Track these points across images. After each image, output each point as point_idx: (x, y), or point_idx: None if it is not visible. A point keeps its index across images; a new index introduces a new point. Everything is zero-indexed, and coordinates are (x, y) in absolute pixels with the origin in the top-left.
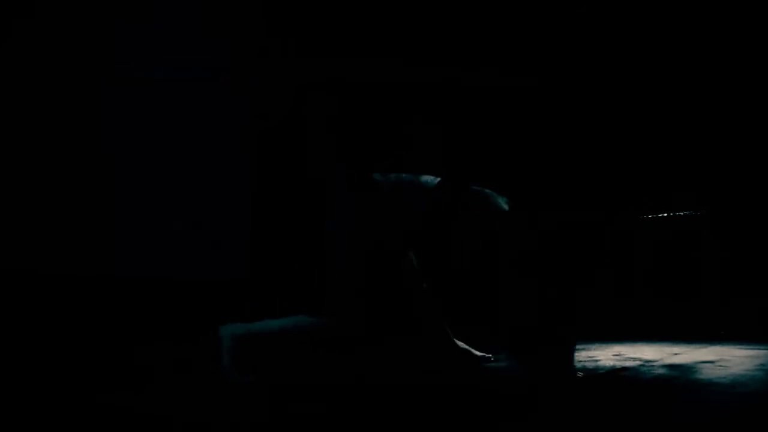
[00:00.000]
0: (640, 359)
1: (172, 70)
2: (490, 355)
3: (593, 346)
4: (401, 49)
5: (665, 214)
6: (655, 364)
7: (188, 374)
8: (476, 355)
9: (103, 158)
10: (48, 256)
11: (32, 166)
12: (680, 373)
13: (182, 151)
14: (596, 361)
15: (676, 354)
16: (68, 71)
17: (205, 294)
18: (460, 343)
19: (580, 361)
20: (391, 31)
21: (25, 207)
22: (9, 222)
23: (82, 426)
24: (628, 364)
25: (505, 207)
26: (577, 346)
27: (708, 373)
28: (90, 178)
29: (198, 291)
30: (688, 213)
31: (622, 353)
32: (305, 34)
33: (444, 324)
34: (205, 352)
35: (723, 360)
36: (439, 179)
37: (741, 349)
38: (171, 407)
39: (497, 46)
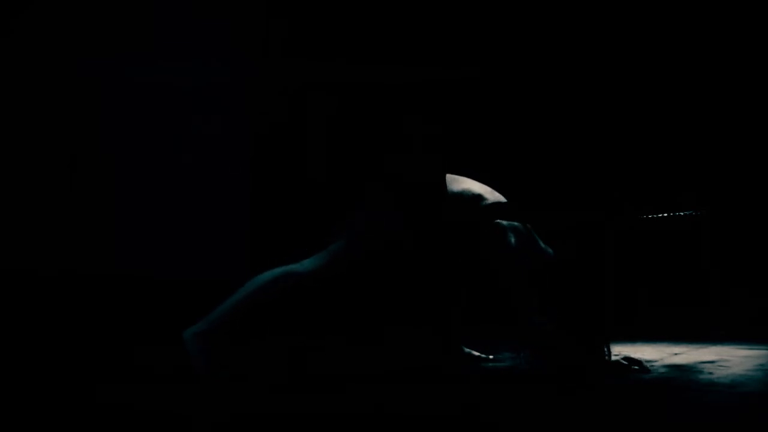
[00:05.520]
0: (640, 359)
1: (172, 69)
2: (490, 356)
3: None
4: (401, 48)
5: (665, 214)
6: (655, 364)
7: (187, 374)
8: (475, 356)
9: (103, 158)
10: (48, 256)
11: (32, 166)
12: (680, 373)
13: (182, 152)
14: None
15: (676, 354)
16: (68, 71)
17: (205, 294)
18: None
19: None
20: (392, 31)
21: (25, 207)
22: (9, 222)
23: (82, 425)
24: None
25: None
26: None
27: (708, 373)
28: (90, 179)
29: (197, 291)
30: (688, 213)
31: (622, 353)
32: (305, 34)
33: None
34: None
35: (723, 360)
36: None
37: (741, 349)
38: (171, 405)
39: (498, 45)
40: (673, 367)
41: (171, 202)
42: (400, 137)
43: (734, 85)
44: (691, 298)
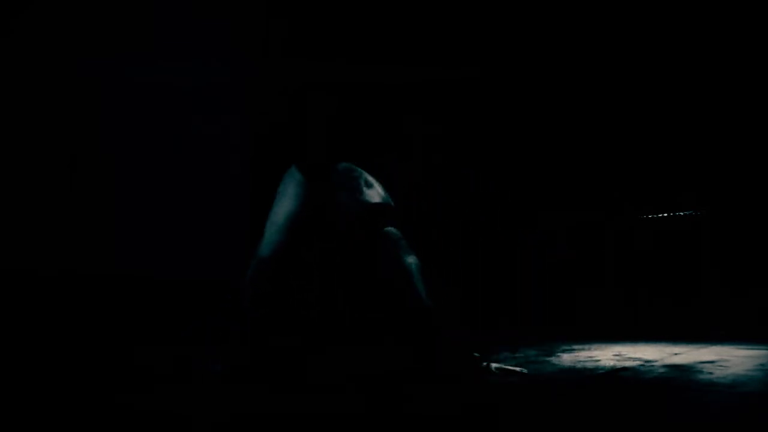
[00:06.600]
0: (640, 359)
1: (172, 69)
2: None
3: (593, 346)
4: (401, 48)
5: (665, 214)
6: (655, 364)
7: (187, 373)
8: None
9: (103, 158)
10: (48, 256)
11: (32, 166)
12: (680, 373)
13: (182, 152)
14: (596, 361)
15: (676, 354)
16: (69, 71)
17: (205, 294)
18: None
19: (580, 361)
20: (392, 31)
21: (25, 207)
22: (9, 222)
23: (83, 424)
24: (628, 364)
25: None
26: (578, 346)
27: (708, 373)
28: (90, 179)
29: (197, 291)
30: (688, 213)
31: (622, 353)
32: (305, 34)
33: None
34: (202, 351)
35: (723, 360)
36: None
37: (741, 349)
38: (171, 405)
39: (498, 45)
40: (673, 367)
41: (171, 202)
42: (400, 137)
43: (734, 85)
44: (691, 298)
